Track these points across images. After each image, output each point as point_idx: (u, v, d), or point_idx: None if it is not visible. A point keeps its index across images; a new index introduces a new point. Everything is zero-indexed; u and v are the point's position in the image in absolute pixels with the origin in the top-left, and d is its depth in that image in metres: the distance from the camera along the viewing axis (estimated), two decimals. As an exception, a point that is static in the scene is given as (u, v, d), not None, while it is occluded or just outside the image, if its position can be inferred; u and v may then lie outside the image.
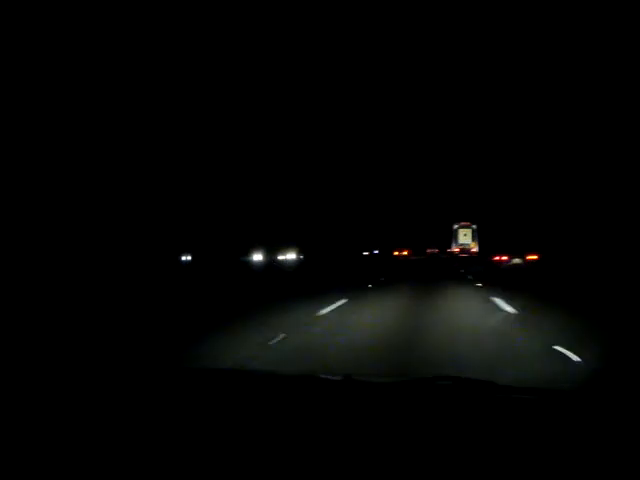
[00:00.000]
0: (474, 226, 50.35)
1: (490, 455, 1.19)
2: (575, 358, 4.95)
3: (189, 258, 27.96)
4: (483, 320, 8.00)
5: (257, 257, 32.89)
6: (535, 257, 23.43)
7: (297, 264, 34.26)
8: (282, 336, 6.46)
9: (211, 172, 33.36)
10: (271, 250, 36.13)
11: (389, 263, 34.99)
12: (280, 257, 38.47)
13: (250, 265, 29.84)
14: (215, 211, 32.01)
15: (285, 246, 39.55)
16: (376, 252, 69.52)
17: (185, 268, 25.75)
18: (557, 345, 5.49)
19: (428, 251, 72.09)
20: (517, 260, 23.20)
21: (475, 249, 48.80)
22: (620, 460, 1.15)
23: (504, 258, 23.53)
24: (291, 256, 39.23)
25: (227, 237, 32.00)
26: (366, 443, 1.27)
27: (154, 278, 17.54)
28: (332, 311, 9.12)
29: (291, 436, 1.32)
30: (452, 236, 51.47)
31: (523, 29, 54.99)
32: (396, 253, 64.27)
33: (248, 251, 32.83)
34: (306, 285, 16.48)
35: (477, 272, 20.73)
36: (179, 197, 28.86)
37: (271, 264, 31.37)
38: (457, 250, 49.37)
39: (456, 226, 50.84)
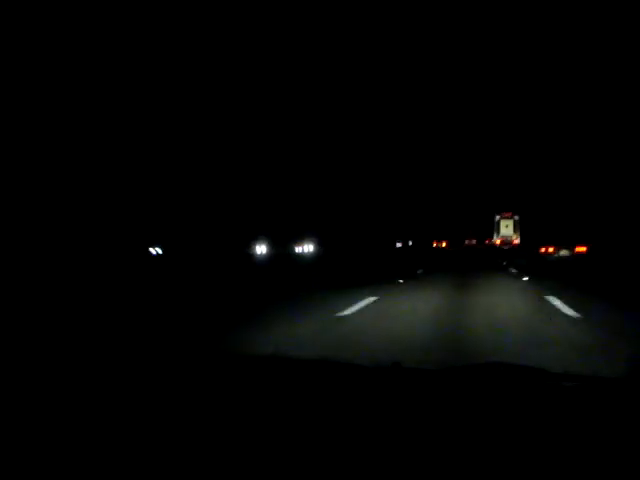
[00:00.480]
0: (516, 217, 49.38)
1: (539, 441, 1.19)
2: None
3: (159, 251, 23.59)
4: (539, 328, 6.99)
5: (260, 249, 29.04)
6: (583, 249, 21.83)
7: (313, 257, 30.85)
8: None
9: (213, 161, 30.49)
10: (283, 241, 32.68)
11: (423, 257, 33.12)
12: (297, 249, 34.96)
13: (250, 259, 25.68)
14: (212, 200, 28.84)
15: (301, 237, 36.12)
16: (410, 244, 67.25)
17: (153, 262, 21.60)
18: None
19: (466, 242, 71.22)
20: (564, 252, 21.64)
21: (517, 240, 47.96)
22: None
23: (550, 250, 21.99)
24: (308, 248, 35.72)
25: (225, 227, 28.29)
26: (416, 431, 1.27)
27: (119, 273, 15.25)
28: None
29: (338, 424, 1.31)
30: (494, 227, 50.33)
31: (561, 16, 52.14)
32: (435, 244, 64.26)
33: (251, 243, 28.97)
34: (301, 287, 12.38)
35: (521, 265, 19.65)
36: (172, 187, 26.50)
37: (278, 257, 27.17)
38: (499, 242, 48.42)
39: (498, 217, 49.82)
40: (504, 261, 22.92)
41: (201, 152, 29.85)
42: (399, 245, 60.06)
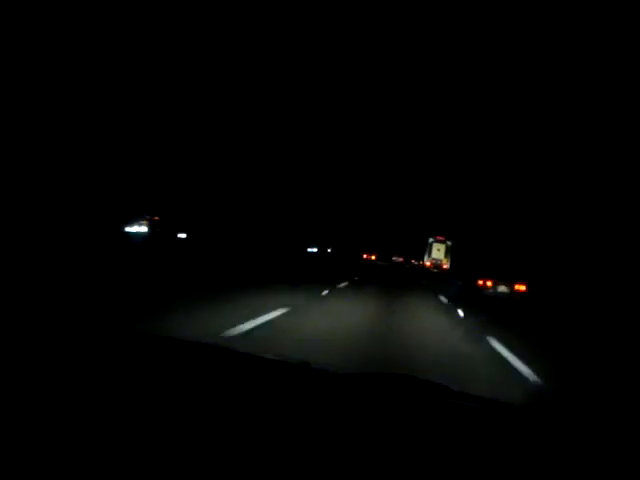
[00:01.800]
0: (449, 242, 49.00)
1: (422, 456, 1.20)
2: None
3: None
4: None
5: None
6: (523, 287, 19.44)
7: (145, 240, 24.08)
8: None
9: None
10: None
11: (345, 267, 30.10)
12: (128, 228, 26.66)
13: None
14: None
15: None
16: (329, 250, 64.26)
17: None
18: None
19: (393, 259, 71.02)
20: (503, 288, 19.17)
21: (446, 265, 47.40)
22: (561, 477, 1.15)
23: (489, 283, 19.43)
24: (139, 229, 27.33)
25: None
26: (312, 428, 1.28)
27: None
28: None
29: (240, 416, 1.31)
30: (425, 249, 49.52)
31: (519, 41, 51.56)
32: (365, 256, 63.71)
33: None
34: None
35: (454, 295, 16.99)
36: None
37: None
38: (429, 264, 47.55)
39: (431, 240, 49.18)
40: (427, 282, 22.87)
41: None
42: (313, 250, 56.35)
